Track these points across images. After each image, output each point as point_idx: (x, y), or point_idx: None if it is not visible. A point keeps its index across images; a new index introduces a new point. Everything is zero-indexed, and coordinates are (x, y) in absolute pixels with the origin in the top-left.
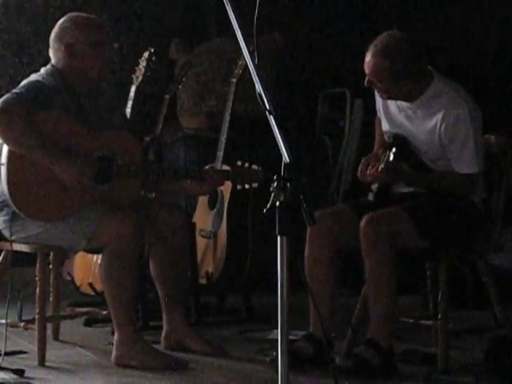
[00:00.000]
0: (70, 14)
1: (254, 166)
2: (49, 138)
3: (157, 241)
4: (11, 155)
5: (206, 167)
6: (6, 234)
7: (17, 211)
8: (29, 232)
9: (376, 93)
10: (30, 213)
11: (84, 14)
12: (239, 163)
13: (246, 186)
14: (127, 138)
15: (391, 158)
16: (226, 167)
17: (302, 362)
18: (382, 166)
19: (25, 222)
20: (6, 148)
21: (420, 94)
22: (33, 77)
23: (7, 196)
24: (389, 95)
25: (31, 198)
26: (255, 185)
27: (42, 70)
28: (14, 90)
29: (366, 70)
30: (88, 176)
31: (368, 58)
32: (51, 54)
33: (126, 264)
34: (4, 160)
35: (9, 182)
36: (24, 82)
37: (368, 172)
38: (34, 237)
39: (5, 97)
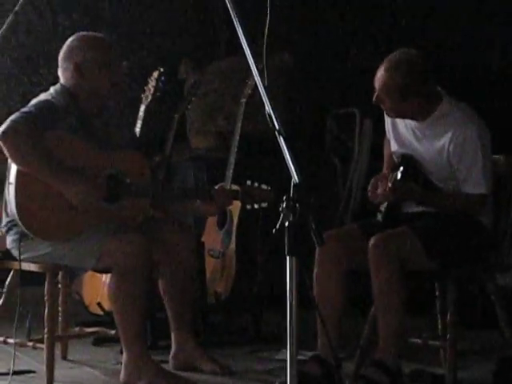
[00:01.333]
0: (78, 34)
1: (264, 186)
2: (56, 158)
3: (166, 260)
4: (19, 174)
5: (216, 187)
6: (15, 253)
7: (25, 231)
8: (37, 251)
9: (385, 113)
10: (38, 233)
11: (92, 33)
12: (249, 183)
13: (256, 206)
14: (136, 157)
15: (399, 176)
16: (235, 187)
17: (309, 382)
18: (389, 184)
19: (33, 241)
20: (14, 167)
21: (428, 114)
22: (42, 96)
23: (15, 216)
24: (396, 113)
25: (39, 217)
26: (265, 204)
27: (52, 89)
28: (23, 109)
29: (376, 85)
30: (95, 196)
31: (380, 72)
32: (60, 73)
33: (134, 284)
34: (12, 179)
35: (17, 202)
36: (34, 101)
37: (377, 192)
38: (43, 256)
39: (14, 115)
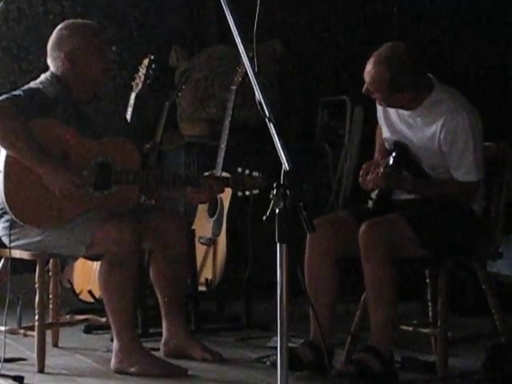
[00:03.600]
0: (66, 22)
1: (255, 173)
2: (44, 145)
3: (157, 247)
4: (8, 162)
5: (206, 174)
6: (6, 241)
7: (14, 218)
8: (28, 239)
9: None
10: (28, 220)
11: (80, 21)
12: (239, 170)
13: (247, 193)
14: (126, 144)
15: (391, 162)
16: (225, 174)
17: (301, 367)
18: (381, 170)
19: (24, 229)
20: (2, 154)
21: (420, 102)
22: (32, 84)
23: (5, 203)
24: (387, 103)
25: (29, 205)
26: (256, 191)
27: (42, 76)
28: (13, 92)
29: (366, 79)
30: (77, 186)
31: (369, 67)
32: (49, 62)
33: (124, 271)
34: (1, 167)
35: (6, 189)
36: (23, 87)
37: (368, 178)
38: (34, 244)
39: (1, 97)
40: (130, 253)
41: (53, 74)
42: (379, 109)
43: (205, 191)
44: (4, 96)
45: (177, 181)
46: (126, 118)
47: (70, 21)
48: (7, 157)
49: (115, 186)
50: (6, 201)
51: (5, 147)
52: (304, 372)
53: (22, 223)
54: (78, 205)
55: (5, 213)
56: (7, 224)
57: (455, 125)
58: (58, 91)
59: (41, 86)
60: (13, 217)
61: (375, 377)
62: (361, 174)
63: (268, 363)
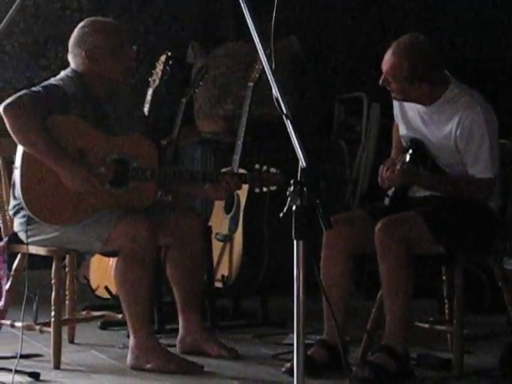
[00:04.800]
0: (88, 19)
1: (272, 169)
2: (62, 141)
3: (173, 244)
4: (25, 158)
5: (223, 170)
6: (22, 237)
7: (31, 215)
8: (44, 235)
9: (392, 96)
10: (45, 217)
11: (102, 19)
12: (257, 166)
13: (264, 189)
14: (143, 141)
15: (407, 159)
16: (242, 171)
17: (316, 368)
18: (398, 167)
19: (40, 225)
20: (19, 151)
21: (436, 98)
22: (52, 81)
23: (21, 199)
24: (402, 96)
25: (45, 202)
26: (273, 188)
27: (62, 73)
28: (33, 88)
29: (384, 68)
30: (92, 183)
31: (388, 56)
32: (70, 58)
33: (140, 267)
34: (18, 163)
35: (23, 186)
36: (43, 83)
37: (385, 175)
38: (50, 240)
39: (21, 92)
40: (146, 249)
41: (73, 71)
42: (396, 106)
43: (222, 188)
44: (23, 91)
45: (194, 177)
46: (144, 114)
47: (93, 18)
48: (24, 153)
49: (132, 182)
50: (23, 197)
51: (22, 143)
52: (319, 374)
53: (38, 219)
54: (94, 202)
55: (21, 208)
56: (24, 220)
57: (471, 122)
58: (78, 88)
59: (60, 83)
60: (29, 213)
61: (391, 377)
62: (380, 173)
63: (284, 369)
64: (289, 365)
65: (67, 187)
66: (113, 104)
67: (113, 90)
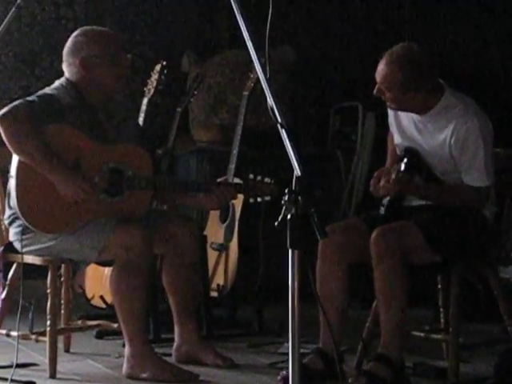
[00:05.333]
0: (82, 28)
1: (267, 179)
2: (57, 151)
3: (169, 253)
4: (20, 168)
5: (218, 180)
6: (18, 246)
7: (26, 224)
8: (40, 244)
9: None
10: (40, 226)
11: (97, 28)
12: (251, 176)
13: (259, 200)
14: (138, 150)
15: (402, 168)
16: (237, 180)
17: (312, 377)
18: (393, 176)
19: (36, 234)
20: (15, 160)
21: (430, 107)
22: (47, 90)
23: (17, 209)
24: (397, 106)
25: (41, 211)
26: (268, 198)
27: (57, 82)
28: (27, 98)
29: (377, 78)
30: (87, 192)
31: (381, 66)
32: (65, 67)
33: (135, 276)
34: (13, 172)
35: (18, 195)
36: (38, 93)
37: (380, 185)
38: (45, 249)
39: (16, 102)
40: (142, 258)
41: (67, 80)
42: (390, 115)
43: (217, 197)
44: (18, 101)
45: (189, 187)
46: (138, 124)
47: (87, 27)
48: (19, 162)
49: (127, 191)
50: (18, 206)
51: (17, 153)
52: (314, 381)
53: (33, 228)
54: (89, 211)
55: (17, 218)
56: (19, 229)
57: (465, 130)
58: (72, 97)
59: (55, 92)
60: (25, 222)
61: None
62: (372, 181)
63: (279, 378)
64: (284, 373)
65: (62, 196)
66: (107, 113)
67: (107, 99)
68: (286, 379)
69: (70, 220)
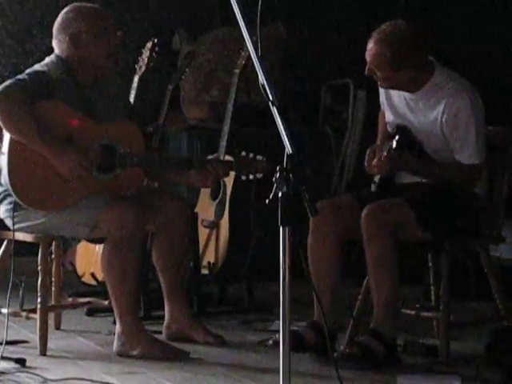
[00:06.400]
0: (72, 5)
1: (259, 157)
2: (49, 127)
3: (159, 230)
4: (12, 145)
5: (210, 157)
6: (9, 223)
7: (18, 200)
8: (31, 221)
9: (379, 84)
10: (32, 202)
11: (87, 4)
12: (243, 153)
13: (251, 177)
14: (129, 127)
15: (394, 145)
16: (228, 157)
17: (304, 348)
18: (384, 153)
19: (27, 211)
20: (6, 137)
21: (421, 84)
22: (37, 67)
23: (8, 185)
24: (388, 84)
25: (33, 187)
26: (259, 175)
27: (47, 59)
28: (18, 77)
29: (367, 58)
30: (84, 167)
31: (370, 45)
32: (55, 44)
33: (127, 253)
34: (5, 149)
35: (10, 172)
36: (28, 71)
37: (373, 163)
38: (37, 226)
39: (7, 82)
40: (133, 235)
41: (57, 57)
42: (382, 92)
43: (209, 175)
44: (10, 81)
45: (180, 164)
46: (129, 101)
47: (77, 4)
48: (11, 139)
49: (119, 168)
50: (10, 183)
51: (13, 133)
52: (306, 354)
53: (25, 205)
54: (82, 187)
55: (8, 195)
56: (11, 206)
57: (457, 107)
58: (63, 73)
59: (45, 69)
60: (17, 199)
61: (378, 360)
62: (366, 158)
63: (270, 342)
64: (276, 337)
65: (54, 173)
66: (98, 90)
67: (97, 76)
68: (276, 344)
69: (62, 197)
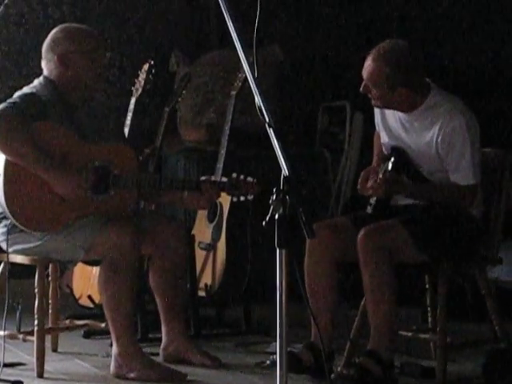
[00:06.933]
0: (61, 25)
1: (249, 178)
2: (44, 149)
3: (156, 252)
4: (7, 165)
5: (202, 178)
6: (4, 246)
7: (14, 222)
8: (27, 244)
9: (373, 103)
10: (27, 223)
11: (75, 25)
12: (234, 175)
13: (242, 199)
14: (124, 149)
15: (389, 167)
16: (225, 179)
17: (301, 370)
18: (380, 176)
19: (23, 234)
20: (2, 158)
21: (417, 105)
22: (26, 89)
23: (4, 206)
24: (382, 103)
25: (28, 208)
26: (250, 197)
27: (36, 81)
28: (9, 100)
29: (364, 75)
30: (84, 188)
31: (368, 62)
32: (43, 65)
33: (123, 275)
34: (1, 170)
35: (5, 192)
36: (18, 93)
37: (368, 185)
38: (33, 249)
39: (1, 106)
40: (129, 257)
41: (45, 78)
42: (377, 114)
43: (202, 196)
44: (2, 105)
45: (174, 185)
46: (121, 123)
47: (66, 24)
48: (7, 160)
49: (113, 189)
50: (6, 204)
51: (12, 156)
52: (304, 375)
53: (21, 226)
54: (77, 208)
55: (3, 218)
56: (5, 229)
57: (452, 128)
58: (52, 94)
59: (34, 90)
60: (12, 220)
61: (375, 381)
62: (360, 180)
63: (268, 362)
64: (274, 357)
65: (50, 193)
66: (87, 111)
67: (86, 98)
68: (273, 364)
69: (57, 218)
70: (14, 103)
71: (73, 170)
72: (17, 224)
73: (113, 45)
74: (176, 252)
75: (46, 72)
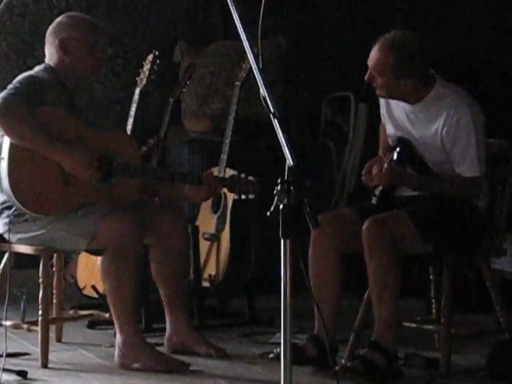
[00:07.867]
0: (70, 12)
1: (250, 177)
2: (50, 133)
3: (157, 243)
4: (12, 149)
5: (205, 173)
6: (7, 236)
7: (18, 206)
8: (30, 233)
9: (380, 99)
10: (32, 207)
11: (83, 15)
12: (235, 173)
13: (243, 197)
14: (125, 137)
15: (395, 157)
16: (229, 170)
17: (305, 362)
18: (385, 166)
19: (26, 223)
20: (6, 142)
21: (422, 97)
22: (25, 73)
23: (8, 190)
24: (387, 92)
25: (33, 192)
26: (251, 196)
27: (36, 67)
28: (10, 86)
29: (370, 63)
30: (95, 167)
31: (374, 51)
32: (46, 49)
33: (127, 264)
34: (5, 154)
35: (10, 177)
36: (18, 79)
37: (372, 174)
38: (36, 238)
39: (3, 93)
40: (132, 246)
41: (46, 64)
42: (382, 105)
43: (203, 189)
44: (4, 93)
45: (175, 177)
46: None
47: (74, 12)
48: (12, 144)
49: (116, 178)
50: (11, 188)
51: (23, 143)
52: (308, 367)
53: (25, 210)
54: (82, 193)
55: (6, 208)
56: (9, 219)
57: (457, 120)
58: (51, 77)
59: (33, 73)
60: (16, 203)
61: (380, 373)
62: (364, 171)
63: (272, 355)
64: (278, 350)
65: (55, 177)
66: (88, 99)
67: (83, 86)
68: (278, 357)
69: (62, 201)
70: (14, 89)
71: (83, 148)
72: (21, 207)
73: (118, 35)
74: (176, 243)
75: (46, 57)
